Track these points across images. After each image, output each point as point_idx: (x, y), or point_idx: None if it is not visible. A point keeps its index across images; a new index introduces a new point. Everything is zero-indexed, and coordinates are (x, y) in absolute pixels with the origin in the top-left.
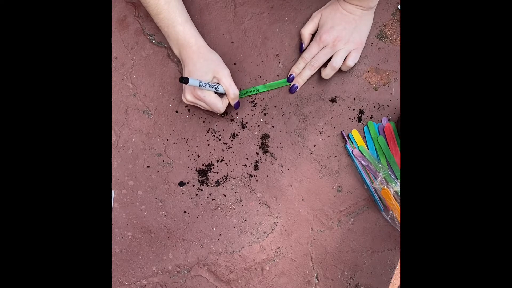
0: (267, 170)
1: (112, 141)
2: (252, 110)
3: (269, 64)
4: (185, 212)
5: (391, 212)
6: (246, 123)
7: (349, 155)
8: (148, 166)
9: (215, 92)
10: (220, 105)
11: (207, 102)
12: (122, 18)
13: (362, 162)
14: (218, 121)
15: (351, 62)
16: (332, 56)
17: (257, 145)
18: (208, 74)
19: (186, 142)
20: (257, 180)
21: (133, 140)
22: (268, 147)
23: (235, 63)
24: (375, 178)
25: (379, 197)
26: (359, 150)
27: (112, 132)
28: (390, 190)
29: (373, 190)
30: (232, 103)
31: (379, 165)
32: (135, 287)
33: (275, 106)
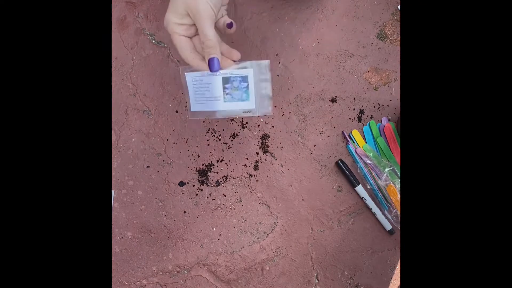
0: (267, 170)
1: (112, 141)
2: None
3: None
4: (185, 212)
5: (395, 210)
6: (246, 123)
7: (349, 154)
8: (148, 166)
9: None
10: (187, 53)
11: (175, 44)
12: (122, 18)
13: (367, 161)
14: (218, 121)
15: None
16: None
17: (257, 145)
18: (179, 9)
19: (186, 142)
20: (257, 180)
21: (133, 140)
22: (268, 147)
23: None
24: (379, 177)
25: (383, 196)
26: (363, 149)
27: (112, 132)
28: (396, 186)
29: (376, 189)
30: (207, 56)
31: (384, 162)
32: (135, 287)
33: (275, 106)
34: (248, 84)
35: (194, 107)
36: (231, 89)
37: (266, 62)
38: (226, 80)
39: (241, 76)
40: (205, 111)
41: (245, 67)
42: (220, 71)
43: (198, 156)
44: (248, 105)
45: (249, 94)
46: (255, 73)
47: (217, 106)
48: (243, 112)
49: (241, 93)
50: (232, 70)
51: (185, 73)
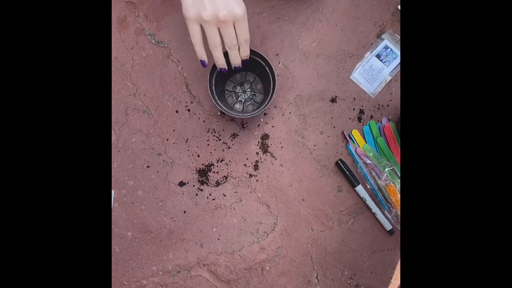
0: (267, 170)
1: (112, 141)
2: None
3: None
4: (185, 212)
5: (395, 210)
6: (246, 123)
7: (349, 154)
8: (148, 166)
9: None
10: (197, 48)
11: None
12: (122, 18)
13: (367, 161)
14: (218, 121)
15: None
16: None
17: (257, 145)
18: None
19: (186, 142)
20: (257, 180)
21: (133, 140)
22: (268, 147)
23: None
24: (379, 177)
25: (383, 195)
26: (363, 149)
27: (112, 132)
28: (396, 186)
29: (376, 188)
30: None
31: (385, 162)
32: (135, 287)
33: (275, 106)
34: (390, 48)
35: (371, 88)
36: (385, 57)
37: (389, 32)
38: (378, 56)
39: (383, 47)
40: (380, 83)
41: (382, 39)
42: (371, 53)
43: (198, 156)
44: (398, 58)
45: (394, 52)
46: (388, 40)
47: (385, 72)
48: (398, 64)
49: (390, 55)
50: (376, 48)
51: (353, 74)
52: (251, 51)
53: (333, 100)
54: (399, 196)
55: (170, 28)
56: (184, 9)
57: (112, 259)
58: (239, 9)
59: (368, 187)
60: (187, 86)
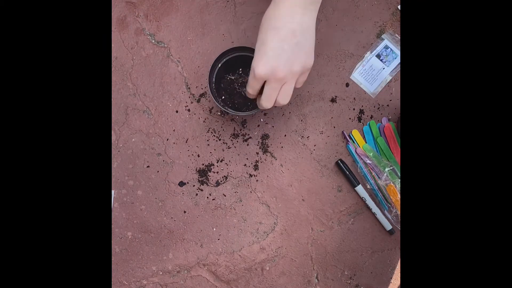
0: (267, 170)
1: (112, 141)
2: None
3: None
4: (185, 212)
5: (394, 210)
6: (246, 122)
7: (349, 154)
8: (148, 166)
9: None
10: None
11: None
12: (122, 18)
13: (367, 161)
14: (218, 121)
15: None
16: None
17: (257, 145)
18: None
19: (186, 142)
20: (257, 180)
21: (133, 140)
22: (268, 147)
23: None
24: (379, 177)
25: (383, 195)
26: (363, 149)
27: (112, 132)
28: (396, 186)
29: (376, 188)
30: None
31: (384, 162)
32: (135, 287)
33: (275, 106)
34: (390, 48)
35: (371, 88)
36: (385, 57)
37: (390, 32)
38: (378, 56)
39: (383, 47)
40: (380, 83)
41: (382, 39)
42: (371, 53)
43: (198, 156)
44: (398, 58)
45: (395, 52)
46: (388, 40)
47: (385, 72)
48: (398, 65)
49: (390, 55)
50: (376, 48)
51: (353, 74)
52: (252, 50)
53: (333, 100)
54: (399, 196)
55: (170, 28)
56: (258, 65)
57: (112, 259)
58: (311, 63)
59: (368, 187)
60: (187, 86)
